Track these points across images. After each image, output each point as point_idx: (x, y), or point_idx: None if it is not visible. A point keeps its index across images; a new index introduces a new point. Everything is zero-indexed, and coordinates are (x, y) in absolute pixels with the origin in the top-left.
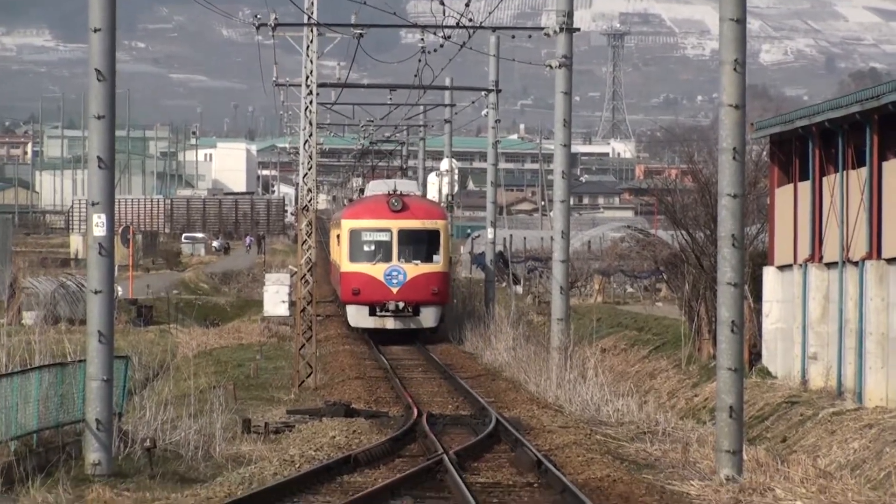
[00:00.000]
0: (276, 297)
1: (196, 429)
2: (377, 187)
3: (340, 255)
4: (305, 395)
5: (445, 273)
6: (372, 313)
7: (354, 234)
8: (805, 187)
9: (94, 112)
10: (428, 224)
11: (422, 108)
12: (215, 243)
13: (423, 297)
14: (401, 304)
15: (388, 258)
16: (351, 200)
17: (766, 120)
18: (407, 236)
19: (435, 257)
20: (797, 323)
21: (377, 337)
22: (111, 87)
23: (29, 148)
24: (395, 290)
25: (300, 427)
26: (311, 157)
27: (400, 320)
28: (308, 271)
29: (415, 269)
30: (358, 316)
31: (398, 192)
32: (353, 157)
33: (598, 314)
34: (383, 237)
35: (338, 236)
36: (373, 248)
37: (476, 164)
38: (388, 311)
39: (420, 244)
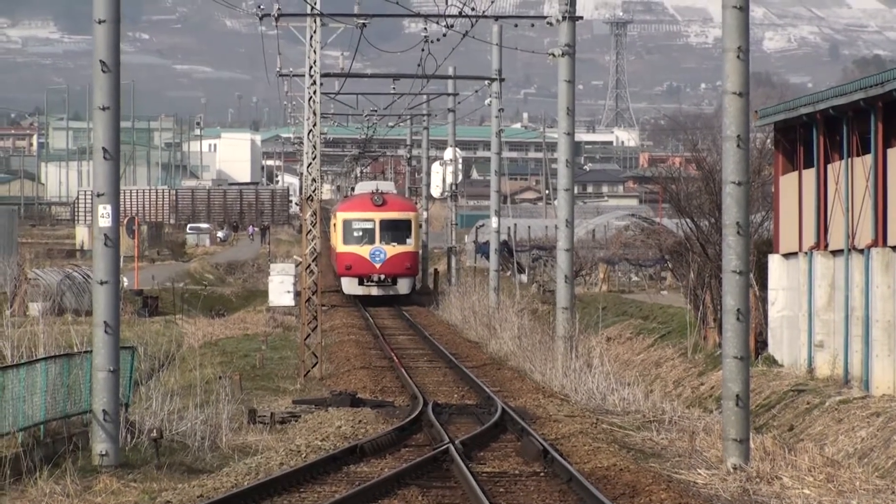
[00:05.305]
0: (281, 288)
1: (202, 419)
2: (364, 187)
3: (336, 239)
4: (311, 385)
5: (416, 252)
6: (360, 283)
7: (346, 223)
8: (810, 175)
9: (99, 103)
10: (402, 215)
11: (425, 97)
12: (220, 233)
13: (400, 270)
14: (382, 276)
15: (372, 241)
16: (349, 193)
17: (769, 107)
18: (386, 224)
19: (408, 240)
20: (803, 311)
21: (365, 300)
22: (116, 78)
23: (34, 140)
24: (378, 265)
25: (306, 417)
26: (314, 146)
27: (382, 288)
28: (313, 261)
29: (393, 249)
30: (350, 286)
31: (380, 191)
32: (357, 147)
33: (602, 303)
34: (368, 225)
35: (334, 225)
36: (361, 233)
37: (480, 153)
38: (372, 281)
39: (396, 230)
